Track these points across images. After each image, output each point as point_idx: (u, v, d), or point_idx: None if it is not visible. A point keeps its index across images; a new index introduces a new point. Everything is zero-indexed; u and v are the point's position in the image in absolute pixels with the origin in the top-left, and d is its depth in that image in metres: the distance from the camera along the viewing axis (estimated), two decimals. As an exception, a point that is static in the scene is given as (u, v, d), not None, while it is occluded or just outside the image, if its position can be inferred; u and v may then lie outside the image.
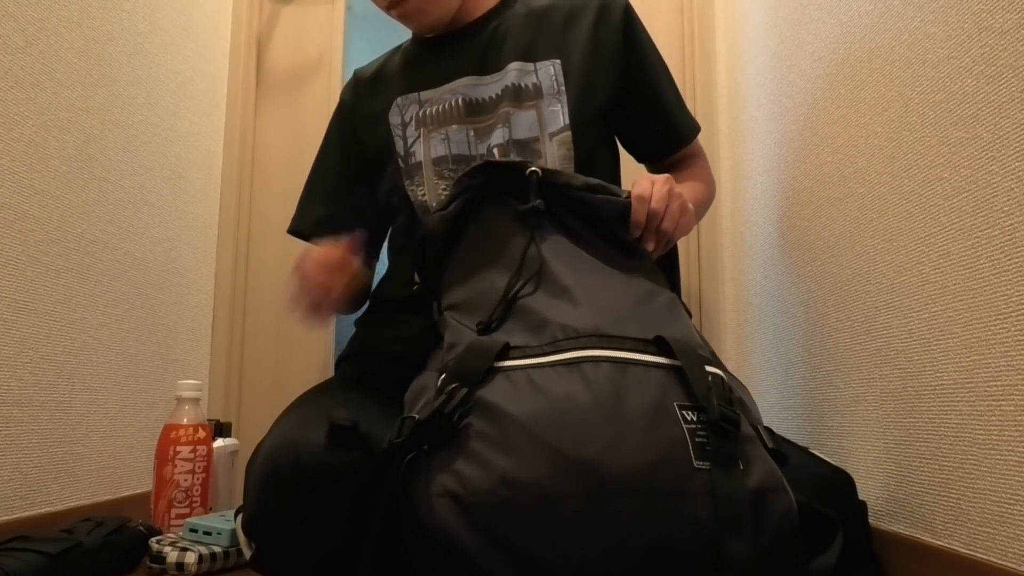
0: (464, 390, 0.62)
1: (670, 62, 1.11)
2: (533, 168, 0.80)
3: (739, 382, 0.71)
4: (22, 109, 1.10)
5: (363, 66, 1.17)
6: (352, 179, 1.11)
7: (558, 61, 1.01)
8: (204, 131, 1.67)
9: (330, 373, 1.64)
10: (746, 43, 1.44)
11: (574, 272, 0.75)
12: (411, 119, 1.04)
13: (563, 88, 1.00)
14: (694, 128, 1.11)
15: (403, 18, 1.03)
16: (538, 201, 0.79)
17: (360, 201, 1.10)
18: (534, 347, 0.66)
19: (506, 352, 0.66)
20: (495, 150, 0.99)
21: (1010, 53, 0.63)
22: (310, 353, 1.72)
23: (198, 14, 1.64)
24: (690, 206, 0.87)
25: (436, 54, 1.07)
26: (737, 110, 1.53)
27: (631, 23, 1.05)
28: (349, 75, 1.18)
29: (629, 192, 0.82)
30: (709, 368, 0.65)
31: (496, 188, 0.83)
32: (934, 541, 0.75)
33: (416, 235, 0.94)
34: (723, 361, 0.80)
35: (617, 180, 1.07)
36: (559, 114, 0.99)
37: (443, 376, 0.65)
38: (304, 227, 1.12)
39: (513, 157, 0.99)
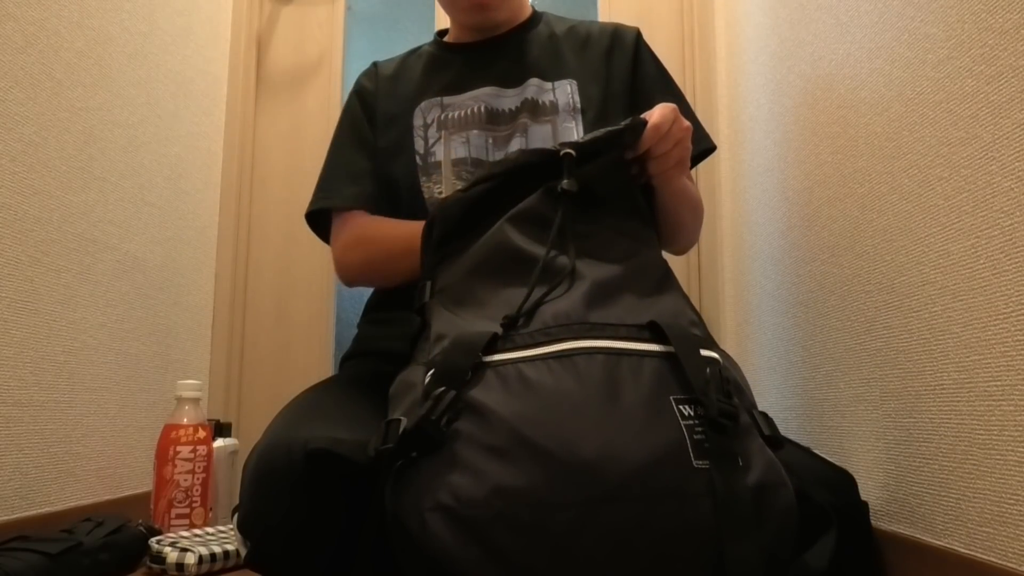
0: (451, 394, 0.60)
1: (670, 63, 1.11)
2: (567, 150, 0.75)
3: (731, 359, 0.70)
4: (22, 109, 1.10)
5: (383, 61, 1.17)
6: (374, 161, 1.09)
7: (575, 81, 1.03)
8: (204, 131, 1.67)
9: (329, 373, 1.64)
10: (746, 43, 1.44)
11: (579, 257, 0.72)
12: (433, 121, 1.05)
13: (579, 107, 1.02)
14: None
15: (475, 8, 1.04)
16: (566, 182, 0.73)
17: (382, 186, 1.07)
18: (523, 335, 0.64)
19: (494, 344, 0.63)
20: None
21: (1010, 53, 0.63)
22: (310, 353, 1.72)
23: (198, 14, 1.64)
24: (687, 164, 0.88)
25: (460, 62, 1.09)
26: (737, 110, 1.53)
27: (640, 53, 1.07)
28: (349, 75, 1.18)
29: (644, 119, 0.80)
30: (704, 352, 0.64)
31: (524, 182, 0.78)
32: (934, 541, 0.75)
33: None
34: (723, 361, 0.80)
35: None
36: (573, 131, 1.01)
37: (430, 375, 0.63)
38: (339, 201, 1.05)
39: None
